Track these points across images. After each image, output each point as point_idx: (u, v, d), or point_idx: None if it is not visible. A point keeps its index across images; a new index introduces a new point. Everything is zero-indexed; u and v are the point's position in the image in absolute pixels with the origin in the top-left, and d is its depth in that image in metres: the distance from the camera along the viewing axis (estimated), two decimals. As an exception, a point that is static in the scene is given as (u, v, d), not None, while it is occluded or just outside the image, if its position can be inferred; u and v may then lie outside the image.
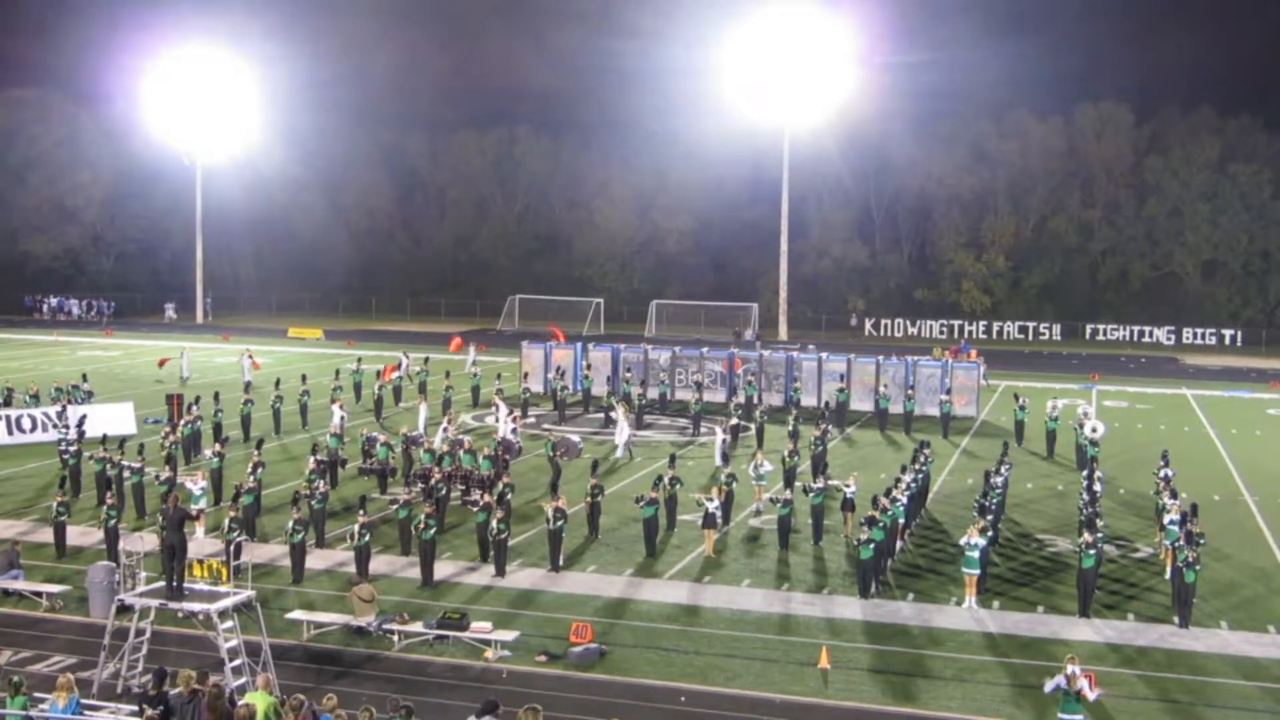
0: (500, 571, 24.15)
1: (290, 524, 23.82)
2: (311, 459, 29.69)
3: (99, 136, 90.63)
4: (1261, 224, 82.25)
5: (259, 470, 27.94)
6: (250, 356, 50.42)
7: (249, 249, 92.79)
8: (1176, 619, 21.81)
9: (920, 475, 29.03)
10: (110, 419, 37.55)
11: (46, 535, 25.98)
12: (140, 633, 18.28)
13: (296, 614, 21.21)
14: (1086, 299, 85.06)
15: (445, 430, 34.48)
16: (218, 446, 31.27)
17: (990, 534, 24.23)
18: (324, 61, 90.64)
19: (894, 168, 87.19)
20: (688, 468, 33.33)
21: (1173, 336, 77.79)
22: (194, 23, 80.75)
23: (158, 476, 28.47)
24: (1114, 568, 25.19)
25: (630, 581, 24.08)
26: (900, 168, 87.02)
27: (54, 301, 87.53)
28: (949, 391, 43.59)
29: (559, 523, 24.43)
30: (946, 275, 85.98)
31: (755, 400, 43.36)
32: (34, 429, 37.78)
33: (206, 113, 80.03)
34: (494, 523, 24.28)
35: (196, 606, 17.76)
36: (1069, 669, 16.61)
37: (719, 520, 26.71)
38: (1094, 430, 34.39)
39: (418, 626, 20.60)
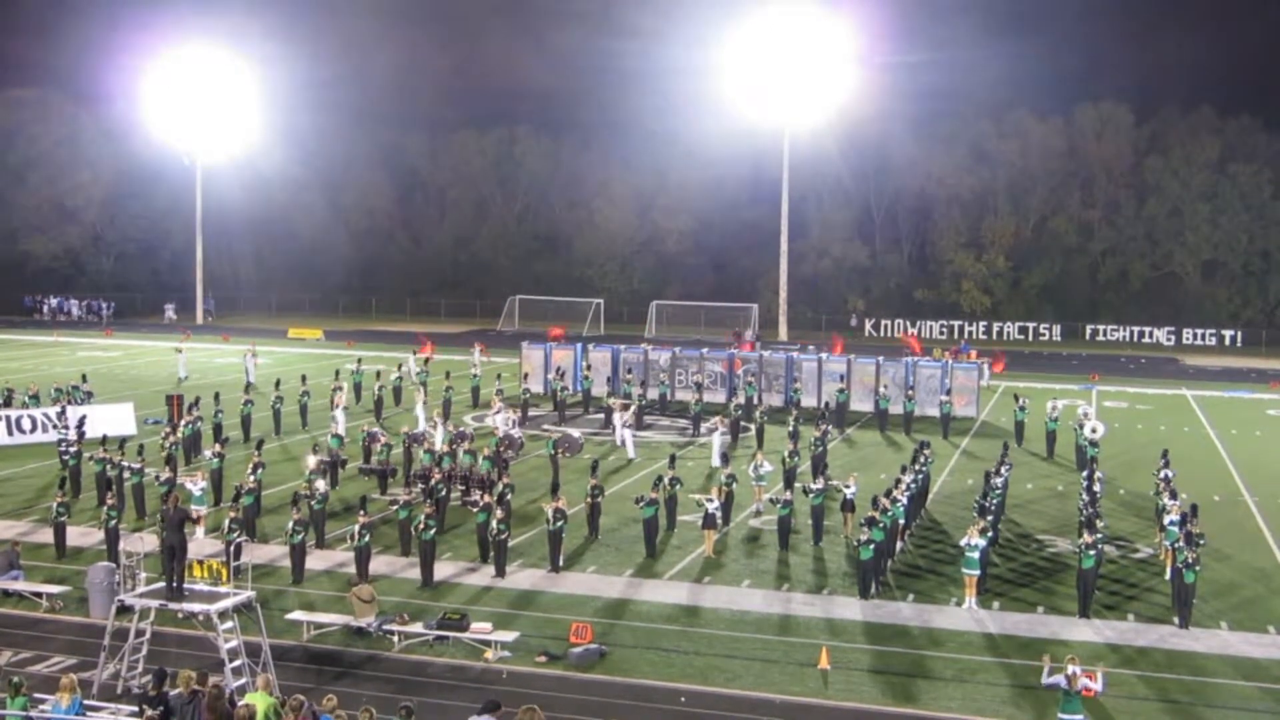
0: (500, 572, 24.15)
1: (290, 524, 23.83)
2: (312, 459, 29.69)
3: (99, 136, 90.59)
4: (1261, 224, 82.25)
5: (259, 471, 27.96)
6: (254, 355, 50.48)
7: (249, 249, 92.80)
8: (1176, 619, 21.82)
9: (920, 476, 29.04)
10: (110, 419, 37.56)
11: (46, 536, 25.99)
12: (140, 633, 18.28)
13: (296, 614, 21.21)
14: (1086, 299, 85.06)
15: (437, 427, 34.56)
16: (218, 447, 31.26)
17: (990, 534, 24.24)
18: (324, 61, 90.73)
19: (894, 168, 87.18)
20: (687, 468, 33.33)
21: (1173, 337, 77.79)
22: (194, 23, 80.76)
23: (158, 477, 28.47)
24: (1114, 568, 25.20)
25: (630, 582, 24.09)
26: (900, 168, 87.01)
27: (54, 302, 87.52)
28: (949, 392, 43.60)
29: (559, 523, 24.44)
30: (946, 275, 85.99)
31: (755, 401, 43.36)
32: (34, 429, 37.77)
33: (206, 113, 79.97)
34: (494, 523, 24.29)
35: (196, 607, 17.77)
36: (1070, 669, 16.61)
37: (719, 521, 26.72)
38: (1093, 431, 34.39)
39: (418, 627, 20.60)
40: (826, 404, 42.76)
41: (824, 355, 48.97)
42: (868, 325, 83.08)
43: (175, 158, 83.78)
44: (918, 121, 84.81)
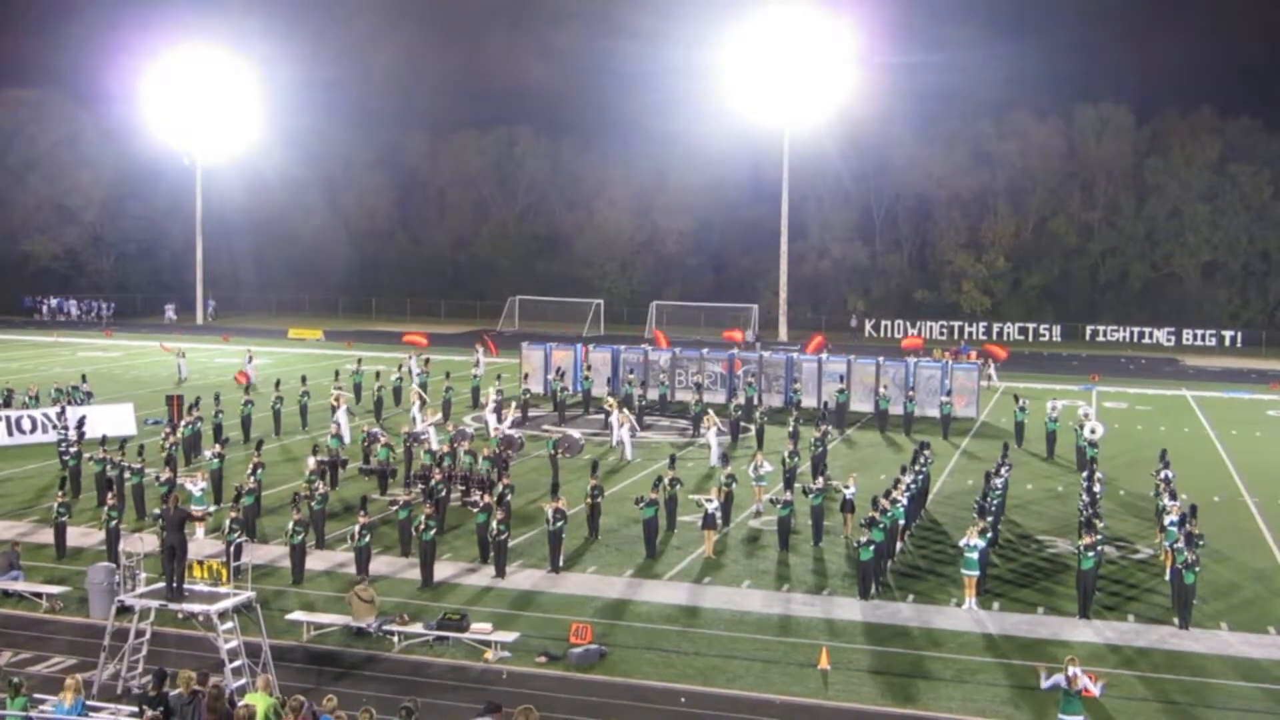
0: (500, 572, 24.15)
1: (291, 525, 23.84)
2: (312, 459, 29.69)
3: (99, 136, 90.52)
4: (1261, 224, 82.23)
5: (259, 471, 27.96)
6: (251, 359, 50.38)
7: (249, 249, 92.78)
8: (1177, 620, 21.82)
9: (920, 476, 29.04)
10: (110, 420, 37.58)
11: (46, 536, 25.99)
12: (140, 634, 18.28)
13: (296, 615, 21.21)
14: (1086, 300, 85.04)
15: (427, 420, 34.61)
16: (217, 447, 31.28)
17: (990, 535, 24.25)
18: (324, 61, 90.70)
19: (894, 168, 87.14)
20: (687, 469, 33.33)
21: (1173, 337, 77.78)
22: (194, 23, 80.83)
23: (158, 477, 28.48)
24: (1114, 569, 25.20)
25: (630, 582, 24.09)
26: (900, 168, 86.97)
27: (54, 302, 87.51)
28: (950, 393, 43.61)
29: (559, 524, 24.45)
30: (946, 276, 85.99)
31: (755, 401, 43.35)
32: (34, 430, 37.78)
33: (206, 113, 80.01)
34: (494, 524, 24.29)
35: (196, 607, 17.77)
36: (1070, 670, 16.61)
37: (718, 521, 26.72)
38: (1092, 431, 34.40)
39: (418, 627, 20.61)
40: (825, 404, 42.77)
41: (824, 356, 48.98)
42: (868, 325, 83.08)
43: (175, 158, 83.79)
44: (918, 122, 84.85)
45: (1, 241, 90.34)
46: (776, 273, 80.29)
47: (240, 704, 14.03)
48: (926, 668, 19.81)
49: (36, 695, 15.50)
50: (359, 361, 49.81)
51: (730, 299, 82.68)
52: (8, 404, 40.47)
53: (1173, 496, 26.35)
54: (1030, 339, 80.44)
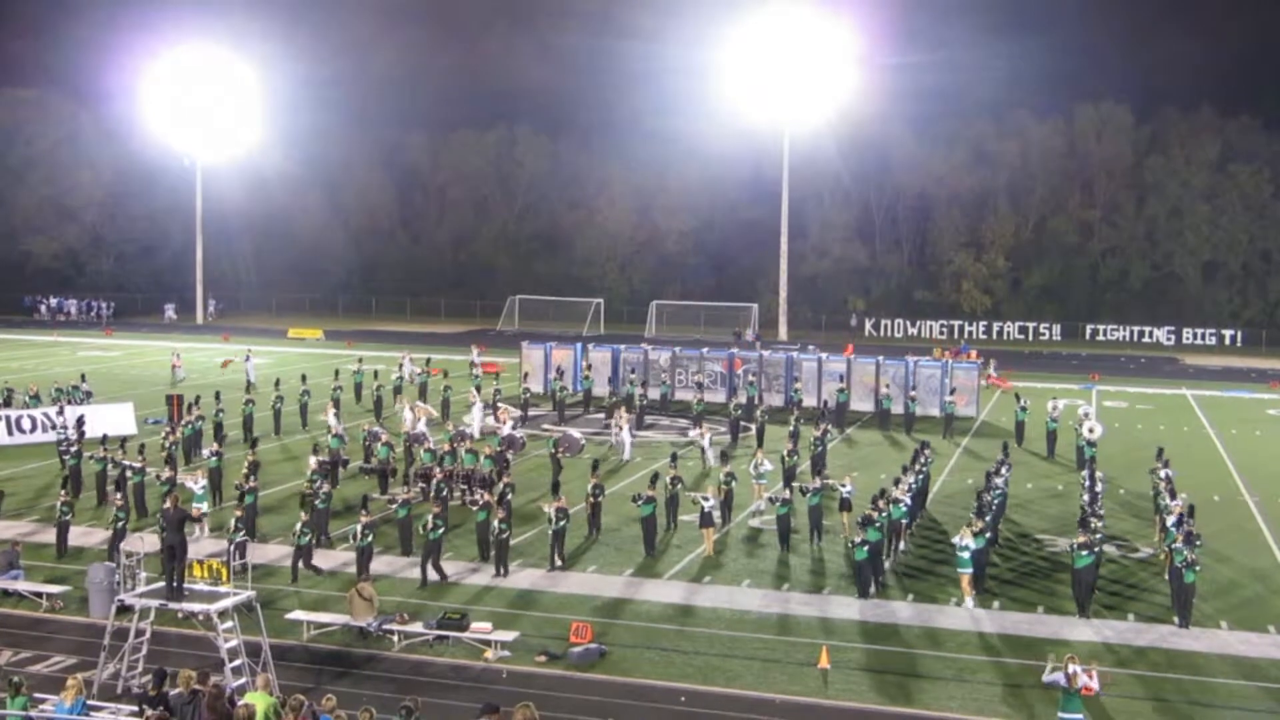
0: (502, 570, 24.15)
1: (299, 525, 23.87)
2: (313, 459, 29.68)
3: (99, 136, 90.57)
4: (1261, 224, 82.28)
5: (256, 470, 27.93)
6: (250, 358, 50.38)
7: (249, 249, 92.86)
8: (1176, 619, 21.82)
9: (920, 476, 29.04)
10: (110, 419, 37.58)
11: (47, 536, 25.99)
12: (140, 633, 18.28)
13: (297, 614, 21.20)
14: (1087, 299, 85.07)
15: (419, 419, 34.65)
16: (216, 446, 31.26)
17: (988, 535, 24.24)
18: (324, 61, 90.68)
19: (894, 168, 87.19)
20: (688, 468, 33.33)
21: (1173, 337, 77.81)
22: (194, 23, 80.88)
23: (158, 477, 28.47)
24: (1114, 568, 25.21)
25: (630, 581, 24.09)
26: (900, 168, 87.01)
27: (53, 302, 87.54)
28: (953, 392, 43.62)
29: (560, 523, 24.44)
30: (946, 275, 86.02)
31: (756, 400, 43.37)
32: (34, 429, 37.79)
33: (206, 113, 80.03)
34: (495, 522, 24.29)
35: (196, 607, 17.77)
36: (1070, 668, 16.62)
37: (717, 519, 26.71)
38: (1090, 431, 34.41)
39: (418, 627, 20.60)
40: (825, 403, 42.78)
41: (824, 355, 48.90)
42: (868, 325, 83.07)
43: (175, 158, 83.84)
44: (918, 122, 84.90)
45: (1, 241, 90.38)
46: (776, 272, 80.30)
47: (240, 703, 14.02)
48: (926, 667, 19.80)
49: (37, 695, 15.50)
50: (359, 361, 49.80)
51: (730, 298, 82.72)
52: (8, 403, 40.49)
53: (1173, 495, 26.35)
54: (1030, 338, 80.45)
